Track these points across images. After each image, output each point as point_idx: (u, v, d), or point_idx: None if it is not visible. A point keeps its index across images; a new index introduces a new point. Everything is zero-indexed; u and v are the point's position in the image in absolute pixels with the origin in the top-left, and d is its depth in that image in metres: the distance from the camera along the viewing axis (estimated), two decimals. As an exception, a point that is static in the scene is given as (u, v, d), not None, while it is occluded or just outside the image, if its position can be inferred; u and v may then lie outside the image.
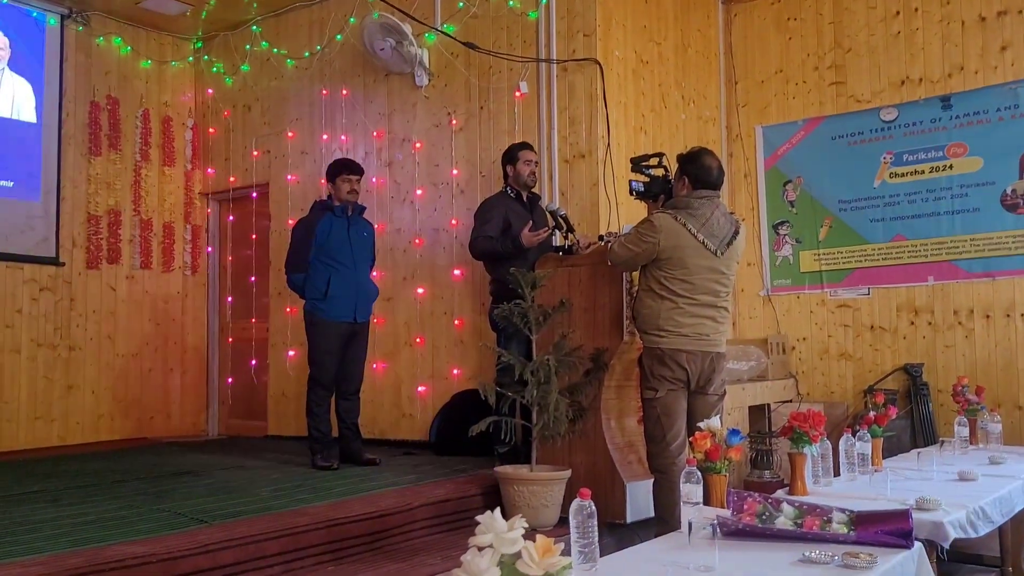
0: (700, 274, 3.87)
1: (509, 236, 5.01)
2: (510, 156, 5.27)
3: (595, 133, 5.55)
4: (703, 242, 3.85)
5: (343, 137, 6.73)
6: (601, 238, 4.70)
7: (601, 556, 2.17)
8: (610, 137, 5.57)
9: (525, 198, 5.28)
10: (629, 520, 4.29)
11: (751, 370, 5.95)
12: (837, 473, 3.55)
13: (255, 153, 7.29)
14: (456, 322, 6.06)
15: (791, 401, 6.22)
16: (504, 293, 4.71)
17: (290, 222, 6.43)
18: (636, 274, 4.21)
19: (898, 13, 6.30)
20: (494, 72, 6.00)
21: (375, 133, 6.57)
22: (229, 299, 7.57)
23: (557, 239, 5.33)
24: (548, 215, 5.20)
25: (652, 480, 4.02)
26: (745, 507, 2.63)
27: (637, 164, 4.39)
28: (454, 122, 6.17)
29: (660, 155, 4.39)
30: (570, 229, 5.04)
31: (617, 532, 4.17)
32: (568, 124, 5.66)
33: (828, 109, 6.57)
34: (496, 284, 5.10)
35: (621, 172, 5.55)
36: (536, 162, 5.33)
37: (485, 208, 5.24)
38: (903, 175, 6.27)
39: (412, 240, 6.33)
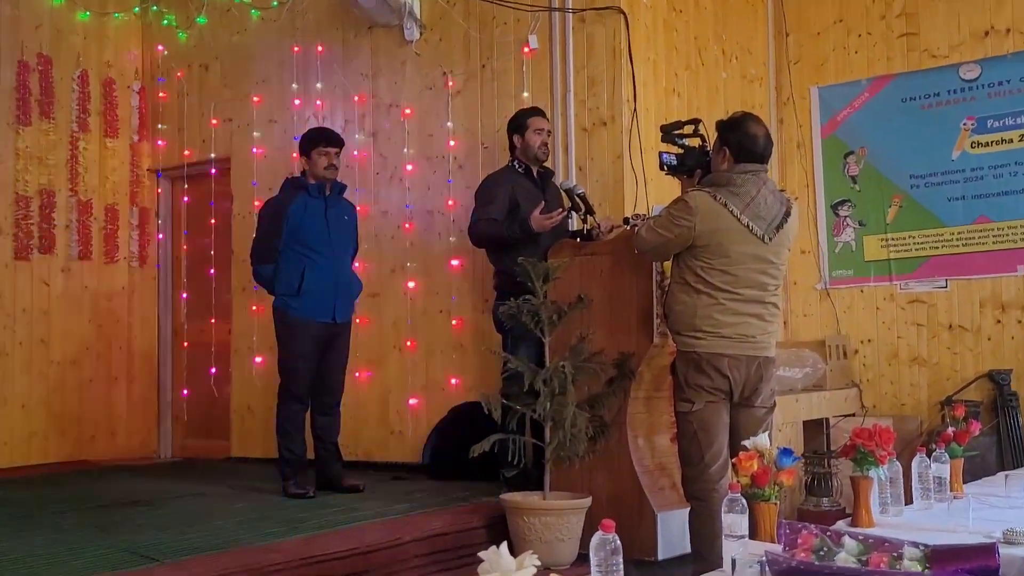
0: (744, 263, 3.88)
1: (516, 219, 5.02)
2: (518, 124, 5.28)
3: (619, 96, 5.56)
4: (747, 225, 3.86)
5: (319, 102, 6.75)
6: (626, 221, 4.71)
7: (628, 600, 2.17)
8: (636, 101, 5.56)
9: (536, 174, 5.29)
10: (661, 557, 4.29)
11: (806, 378, 5.95)
12: (909, 501, 3.54)
13: (214, 122, 7.30)
14: (454, 322, 6.08)
15: (854, 415, 6.22)
16: (511, 287, 4.71)
17: (256, 203, 6.43)
18: (668, 264, 4.21)
19: (981, -50, 6.30)
20: (498, 24, 6.01)
21: (356, 97, 6.58)
22: (184, 296, 7.59)
23: (574, 223, 5.33)
24: (563, 194, 5.21)
25: (688, 509, 4.02)
26: (799, 541, 2.62)
27: (669, 133, 4.40)
28: (451, 84, 6.18)
29: (696, 122, 4.39)
30: (589, 211, 5.04)
31: (647, 571, 4.17)
32: (587, 85, 5.66)
33: (897, 66, 6.56)
34: (501, 276, 5.11)
35: (650, 142, 5.55)
36: (548, 131, 5.34)
37: (488, 186, 5.25)
38: (987, 144, 6.25)
39: (401, 224, 6.34)
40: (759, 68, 6.81)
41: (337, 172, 5.43)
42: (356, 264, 5.73)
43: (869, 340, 6.57)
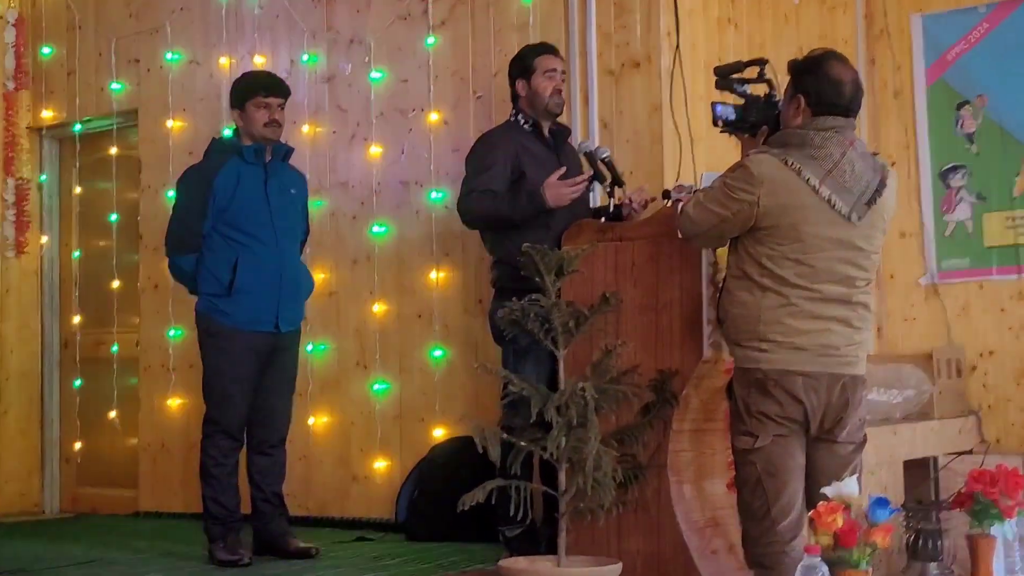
0: (825, 251, 3.90)
1: (523, 190, 5.03)
2: (523, 66, 5.29)
3: (656, 28, 5.56)
4: (829, 199, 3.88)
5: (255, 36, 6.76)
6: (667, 195, 4.71)
7: None
8: (680, 34, 5.57)
9: (547, 132, 5.31)
10: (714, 643, 4.30)
11: (907, 404, 5.95)
12: (1045, 565, 3.55)
13: (115, 63, 7.31)
14: (437, 329, 6.10)
15: (971, 452, 6.21)
16: (513, 283, 4.72)
17: (174, 173, 6.44)
18: (723, 252, 4.22)
19: None
20: (496, -67, 6.06)
21: (305, 30, 6.59)
22: (76, 296, 7.61)
23: (596, 197, 5.35)
24: (583, 159, 5.22)
25: (750, 579, 4.03)
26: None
27: (725, 77, 4.40)
28: (432, 11, 6.18)
29: (761, 63, 4.40)
30: (617, 181, 5.04)
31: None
32: (613, 14, 5.67)
33: (1029, -14, 6.58)
34: (500, 269, 5.13)
35: (698, 90, 5.55)
36: (563, 74, 5.35)
37: (484, 148, 5.26)
38: None
39: (367, 201, 6.35)
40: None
41: (281, 130, 5.44)
42: (305, 253, 5.75)
43: (991, 353, 6.58)
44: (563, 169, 5.02)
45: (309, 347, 6.26)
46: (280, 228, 5.37)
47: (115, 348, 7.30)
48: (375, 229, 6.32)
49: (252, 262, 5.26)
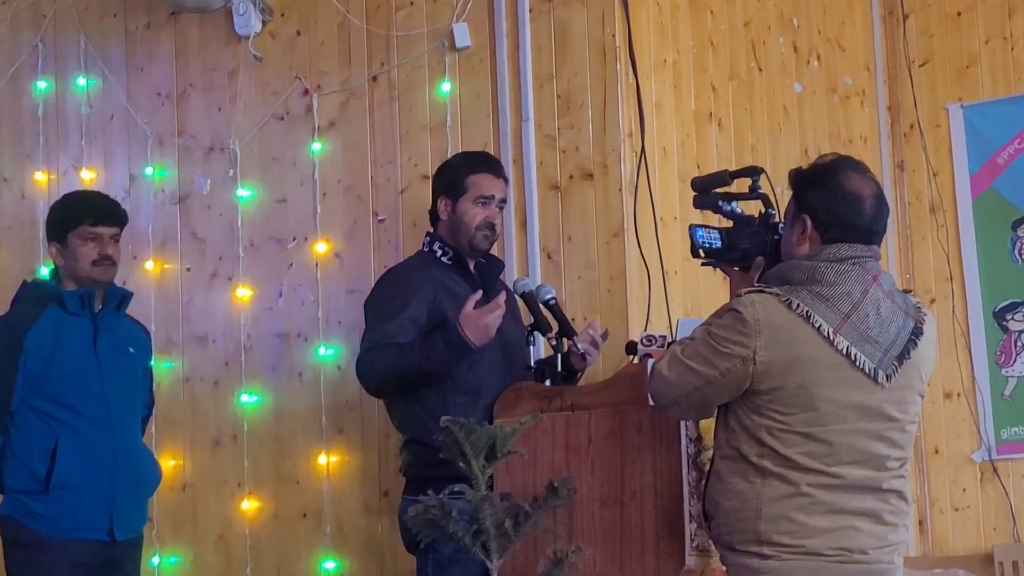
0: (845, 421, 3.89)
1: (440, 334, 5.00)
2: (451, 181, 5.30)
3: (614, 127, 5.66)
4: (848, 353, 3.88)
5: (82, 144, 6.80)
6: (632, 349, 4.76)
7: None
8: (645, 135, 5.66)
9: (473, 268, 5.35)
10: None
11: (961, 623, 5.93)
12: None
13: None
14: (328, 535, 6.06)
15: None
16: (430, 470, 4.72)
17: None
18: (708, 425, 4.24)
19: None
20: (401, 6, 6.14)
21: (150, 135, 6.64)
22: None
23: (540, 351, 5.38)
24: (520, 302, 5.27)
25: None
26: None
27: (707, 192, 4.47)
28: (316, 107, 6.27)
29: (754, 172, 4.48)
30: (565, 331, 5.08)
31: None
32: (557, 111, 5.77)
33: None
34: (412, 451, 5.13)
35: (672, 208, 5.65)
36: (502, 202, 5.35)
37: (390, 287, 5.26)
38: None
39: (232, 365, 6.37)
40: (859, 75, 6.97)
41: (115, 269, 5.45)
42: (149, 433, 5.74)
43: (1071, 553, 6.58)
44: (478, 294, 5.01)
45: (155, 559, 6.20)
46: (114, 400, 5.34)
47: None
48: (244, 398, 6.31)
49: (77, 447, 5.22)
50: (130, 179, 6.67)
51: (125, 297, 5.54)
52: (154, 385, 5.75)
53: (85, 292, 5.36)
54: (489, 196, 5.24)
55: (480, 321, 4.90)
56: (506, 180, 5.40)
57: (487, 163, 5.38)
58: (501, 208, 5.33)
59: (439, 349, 4.96)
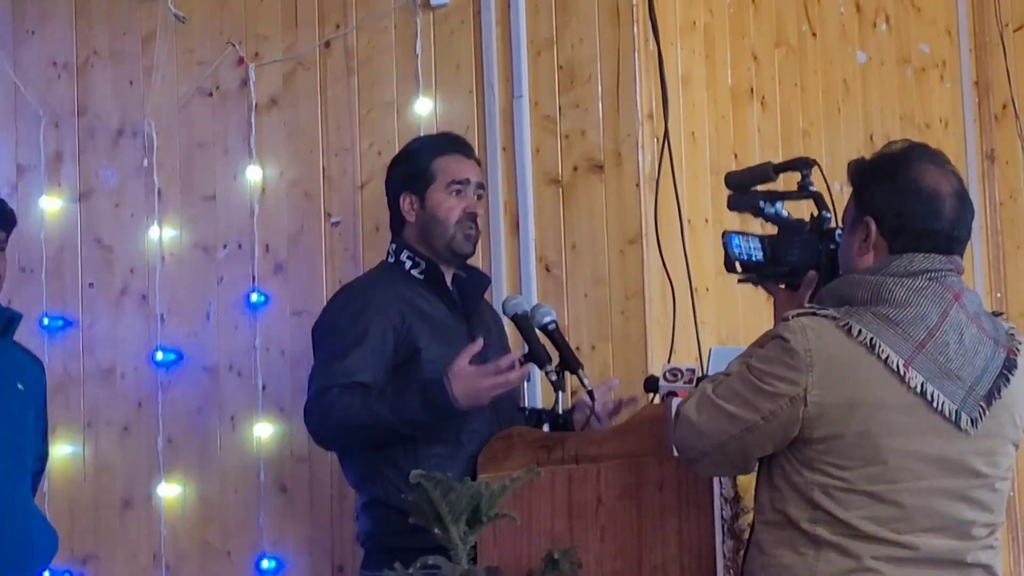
0: (921, 478, 3.87)
1: (414, 382, 5.02)
2: (412, 170, 5.32)
3: (631, 106, 5.67)
4: (923, 392, 3.85)
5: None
6: (651, 385, 4.75)
7: None
8: (669, 116, 5.67)
9: (450, 282, 5.34)
10: None
11: None
12: None
13: None
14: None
15: None
16: (395, 539, 4.73)
17: None
18: (748, 481, 4.23)
19: None
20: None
21: (43, 116, 6.65)
22: None
23: (536, 388, 5.40)
24: (511, 326, 5.26)
25: None
26: None
27: (745, 190, 4.45)
28: (253, 80, 6.29)
29: (805, 165, 4.46)
30: (569, 363, 5.06)
31: None
32: (559, 84, 5.78)
33: None
34: (374, 515, 5.12)
35: (702, 209, 5.65)
36: (481, 187, 5.39)
37: (347, 310, 5.26)
38: None
39: (147, 406, 6.37)
40: (938, 42, 6.97)
41: (2, 281, 5.43)
42: (42, 492, 5.71)
43: None
44: (478, 344, 4.98)
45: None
46: (-1, 446, 5.35)
47: None
48: (166, 442, 6.30)
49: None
50: (17, 171, 6.67)
51: (13, 319, 5.48)
52: (48, 429, 5.69)
53: (-39, 313, 5.35)
54: (463, 180, 5.25)
55: (476, 382, 4.88)
56: (478, 162, 5.43)
57: (453, 142, 5.40)
58: (480, 196, 5.35)
59: (414, 407, 4.93)
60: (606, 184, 5.67)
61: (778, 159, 4.56)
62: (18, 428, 5.42)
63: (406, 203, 5.27)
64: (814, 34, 6.37)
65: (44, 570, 5.53)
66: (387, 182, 5.38)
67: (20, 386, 5.45)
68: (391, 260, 5.34)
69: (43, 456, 5.64)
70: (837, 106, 6.43)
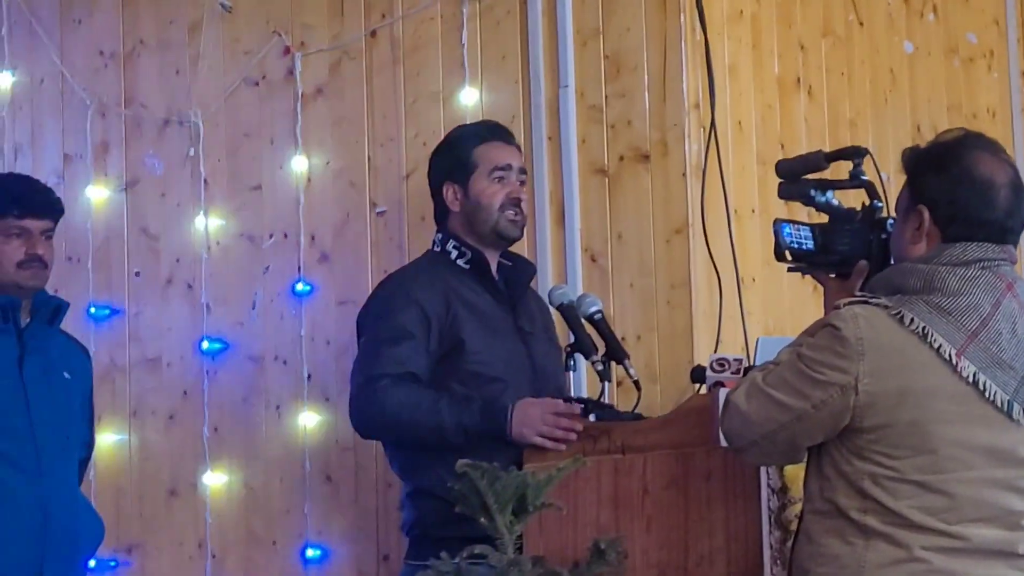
0: (972, 468, 3.84)
1: (480, 401, 5.01)
2: (454, 160, 5.32)
3: (677, 95, 5.66)
4: (976, 381, 3.84)
5: (3, 115, 6.83)
6: (699, 375, 4.74)
7: None
8: (715, 106, 5.66)
9: (495, 271, 5.35)
10: None
11: None
12: None
13: None
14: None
15: None
16: (441, 528, 4.74)
17: None
18: (796, 471, 4.22)
19: None
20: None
21: (90, 106, 6.65)
22: None
23: (582, 377, 5.38)
24: (558, 316, 5.26)
25: None
26: None
27: (795, 179, 4.42)
28: (299, 70, 6.29)
29: (856, 154, 4.44)
30: (615, 353, 5.06)
31: None
32: (604, 74, 5.77)
33: None
34: (419, 505, 5.13)
35: (750, 198, 5.65)
36: (524, 173, 5.38)
37: (392, 299, 5.26)
38: None
39: (192, 394, 6.39)
40: (986, 31, 6.93)
41: (47, 273, 5.44)
42: (89, 479, 5.73)
43: None
44: (567, 407, 4.86)
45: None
46: (45, 439, 5.33)
47: None
48: (213, 436, 6.32)
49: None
50: (64, 160, 6.68)
51: (59, 308, 5.51)
52: (95, 418, 5.69)
53: (8, 302, 5.34)
54: (505, 166, 5.25)
55: (533, 413, 4.86)
56: (519, 148, 5.42)
57: (492, 130, 5.40)
58: (522, 182, 5.34)
59: (472, 417, 4.93)
60: (652, 174, 5.65)
61: (825, 149, 4.51)
62: (65, 416, 5.45)
63: (449, 193, 5.28)
64: (861, 24, 6.34)
65: (90, 558, 5.54)
66: (429, 173, 5.38)
67: (67, 375, 5.47)
68: (437, 249, 5.35)
69: (90, 443, 5.66)
70: (884, 96, 6.41)
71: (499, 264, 5.33)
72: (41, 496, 5.29)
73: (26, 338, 5.36)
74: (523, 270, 5.43)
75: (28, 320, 5.38)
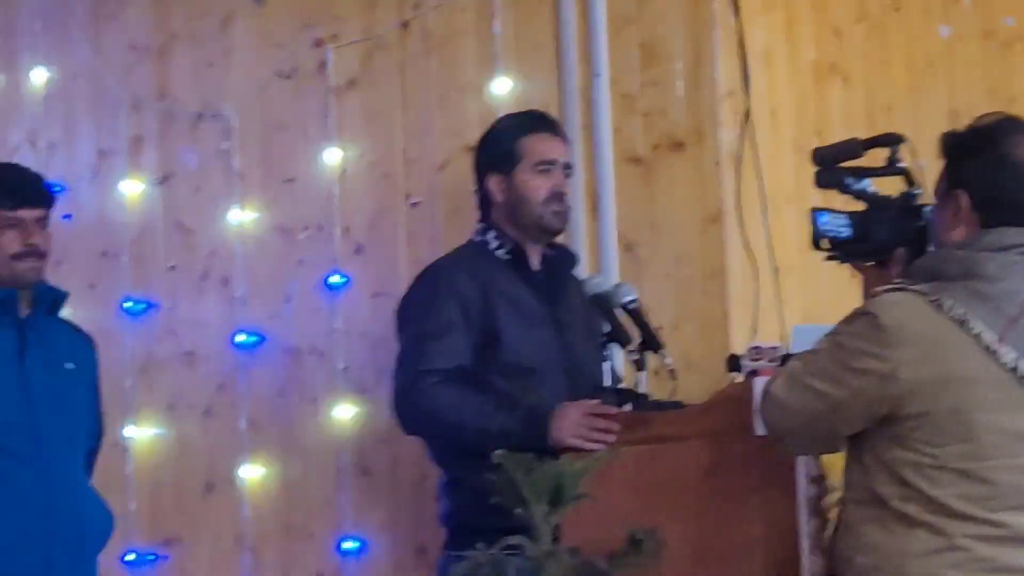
0: (1013, 455, 3.82)
1: (524, 405, 4.99)
2: (499, 151, 5.31)
3: (711, 84, 5.65)
4: (1016, 368, 3.81)
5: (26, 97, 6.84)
6: (736, 365, 4.72)
7: None
8: (751, 93, 5.65)
9: (538, 263, 5.32)
10: None
11: None
12: None
13: None
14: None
15: None
16: (478, 519, 4.68)
17: None
18: (834, 460, 4.18)
19: None
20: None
21: (125, 99, 6.66)
22: None
23: (618, 367, 5.34)
24: (594, 305, 5.23)
25: None
26: None
27: (832, 166, 4.40)
28: (331, 65, 6.27)
29: (893, 141, 4.41)
30: (651, 343, 5.05)
31: None
32: (639, 63, 5.76)
33: None
34: (456, 496, 5.13)
35: (786, 186, 5.62)
36: (569, 168, 5.37)
37: (432, 292, 5.25)
38: None
39: (228, 388, 6.38)
40: (1022, 14, 6.88)
41: (45, 262, 5.40)
42: (98, 472, 5.72)
43: None
44: (603, 407, 4.87)
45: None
46: (48, 432, 5.31)
47: None
48: (251, 428, 6.34)
49: (3, 489, 5.24)
50: (99, 155, 6.69)
51: (59, 298, 5.47)
52: (102, 409, 5.68)
53: (6, 295, 5.31)
54: (551, 160, 5.24)
55: (571, 416, 4.83)
56: (566, 140, 5.39)
57: (541, 121, 5.38)
58: (568, 175, 5.32)
59: (516, 424, 4.93)
60: (687, 163, 5.66)
61: (861, 136, 4.48)
62: (69, 407, 5.43)
63: (493, 184, 5.27)
64: (896, 8, 6.31)
65: (99, 550, 5.51)
66: (474, 162, 5.38)
67: (69, 365, 5.44)
68: (476, 239, 5.35)
69: (97, 434, 5.61)
70: (920, 81, 6.38)
71: (543, 255, 5.33)
72: (46, 490, 5.27)
73: (26, 329, 5.34)
74: (564, 259, 5.43)
75: (28, 312, 5.35)
